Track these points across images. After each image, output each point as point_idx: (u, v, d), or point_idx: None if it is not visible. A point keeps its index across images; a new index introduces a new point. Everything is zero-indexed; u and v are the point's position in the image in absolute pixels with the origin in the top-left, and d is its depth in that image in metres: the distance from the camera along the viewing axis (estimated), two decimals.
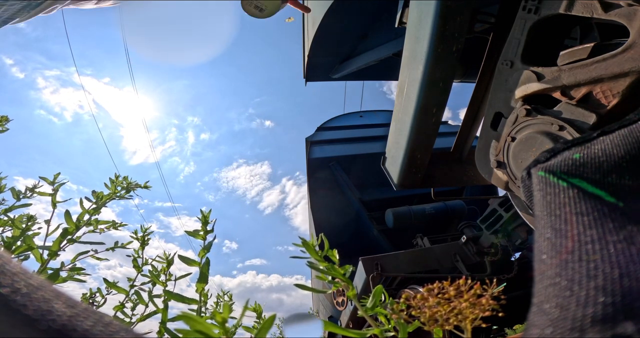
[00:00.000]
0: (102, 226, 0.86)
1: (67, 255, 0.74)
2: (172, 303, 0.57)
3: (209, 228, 0.58)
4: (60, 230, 0.73)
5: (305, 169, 5.07)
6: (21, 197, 0.85)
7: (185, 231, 0.56)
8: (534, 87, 1.19)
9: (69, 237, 0.73)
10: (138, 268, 0.81)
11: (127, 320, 0.77)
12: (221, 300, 0.99)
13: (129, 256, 0.83)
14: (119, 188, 0.90)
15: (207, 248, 0.53)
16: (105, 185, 0.89)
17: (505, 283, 2.53)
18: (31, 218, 0.76)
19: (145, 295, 0.72)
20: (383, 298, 0.47)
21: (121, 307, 0.77)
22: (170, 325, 0.52)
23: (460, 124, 2.02)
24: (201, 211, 0.59)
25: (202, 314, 0.53)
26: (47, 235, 0.73)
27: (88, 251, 0.81)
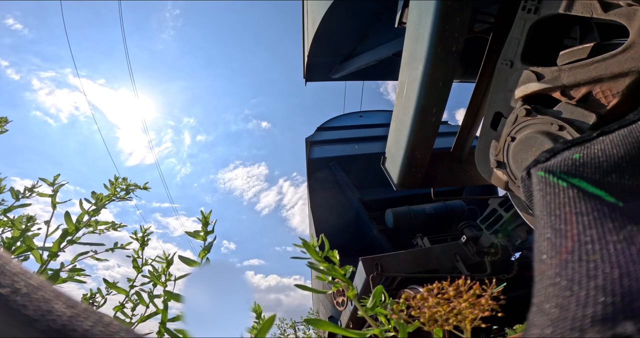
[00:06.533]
0: (102, 227, 0.86)
1: (66, 255, 0.74)
2: (171, 303, 0.57)
3: (209, 229, 0.58)
4: (60, 231, 0.72)
5: (305, 169, 5.07)
6: (20, 197, 0.85)
7: (186, 232, 0.56)
8: (534, 87, 1.19)
9: (69, 237, 0.73)
10: (138, 268, 0.81)
11: (127, 320, 0.77)
12: None
13: (129, 256, 0.83)
14: (118, 189, 0.90)
15: (207, 248, 0.53)
16: (105, 186, 0.89)
17: (505, 283, 2.53)
18: (31, 219, 0.76)
19: (145, 296, 0.71)
20: (383, 299, 0.47)
21: (121, 307, 0.77)
22: (170, 325, 0.52)
23: (458, 125, 2.02)
24: (201, 212, 0.59)
25: None
26: (46, 236, 0.73)
27: (88, 252, 0.81)
